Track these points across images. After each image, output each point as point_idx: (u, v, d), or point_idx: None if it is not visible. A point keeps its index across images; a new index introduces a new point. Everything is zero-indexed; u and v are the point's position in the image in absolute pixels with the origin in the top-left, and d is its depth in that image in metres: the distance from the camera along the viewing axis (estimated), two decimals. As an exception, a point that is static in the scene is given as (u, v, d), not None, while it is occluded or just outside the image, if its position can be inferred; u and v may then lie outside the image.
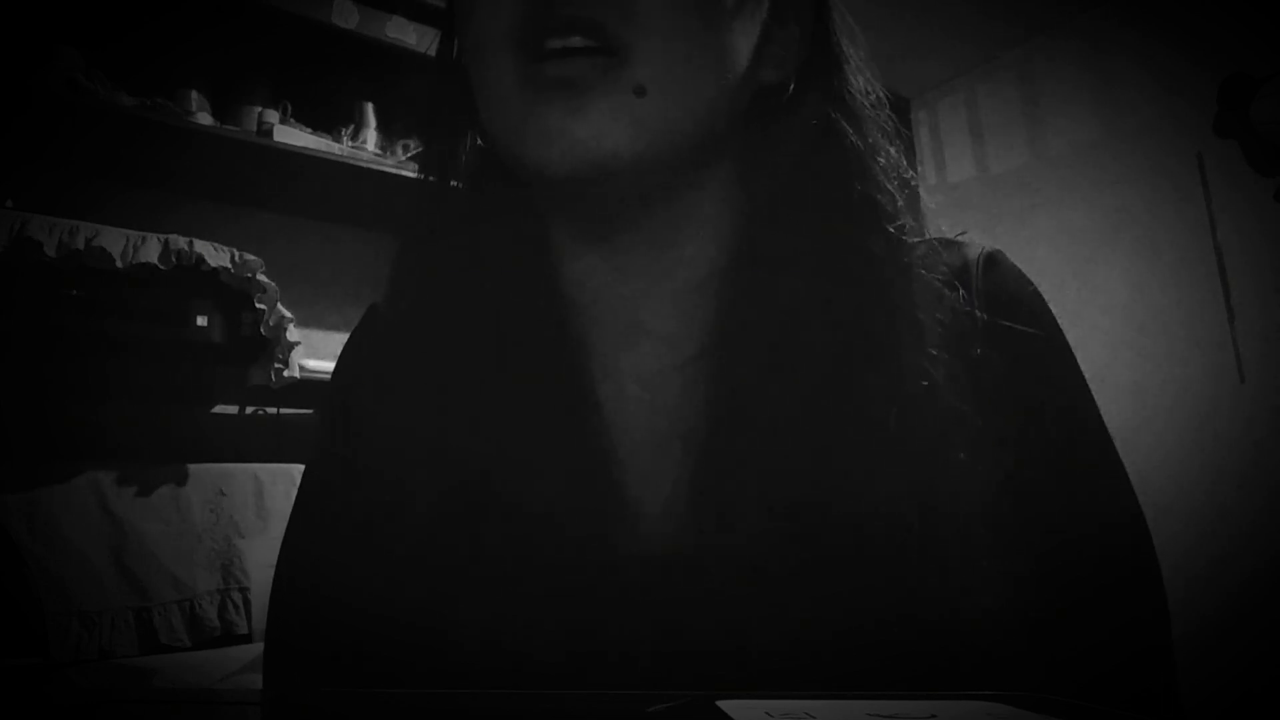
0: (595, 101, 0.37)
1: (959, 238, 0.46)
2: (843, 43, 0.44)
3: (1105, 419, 0.44)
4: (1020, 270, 0.45)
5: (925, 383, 0.38)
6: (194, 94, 1.52)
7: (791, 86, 0.43)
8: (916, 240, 0.42)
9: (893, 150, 0.43)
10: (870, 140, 0.42)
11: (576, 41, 0.37)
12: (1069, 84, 2.24)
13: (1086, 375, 0.44)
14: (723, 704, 0.23)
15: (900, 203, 0.42)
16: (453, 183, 0.46)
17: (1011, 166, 2.37)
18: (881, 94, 0.45)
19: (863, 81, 0.44)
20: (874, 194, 0.41)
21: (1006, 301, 0.43)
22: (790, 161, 0.42)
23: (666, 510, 0.40)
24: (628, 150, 0.37)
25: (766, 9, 0.41)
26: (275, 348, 1.43)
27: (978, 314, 0.42)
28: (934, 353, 0.39)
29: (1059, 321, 0.44)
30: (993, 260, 0.44)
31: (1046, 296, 0.45)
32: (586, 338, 0.44)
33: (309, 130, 1.59)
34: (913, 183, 0.44)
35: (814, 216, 0.41)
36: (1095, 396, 0.44)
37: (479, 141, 0.47)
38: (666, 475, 0.40)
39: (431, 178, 0.46)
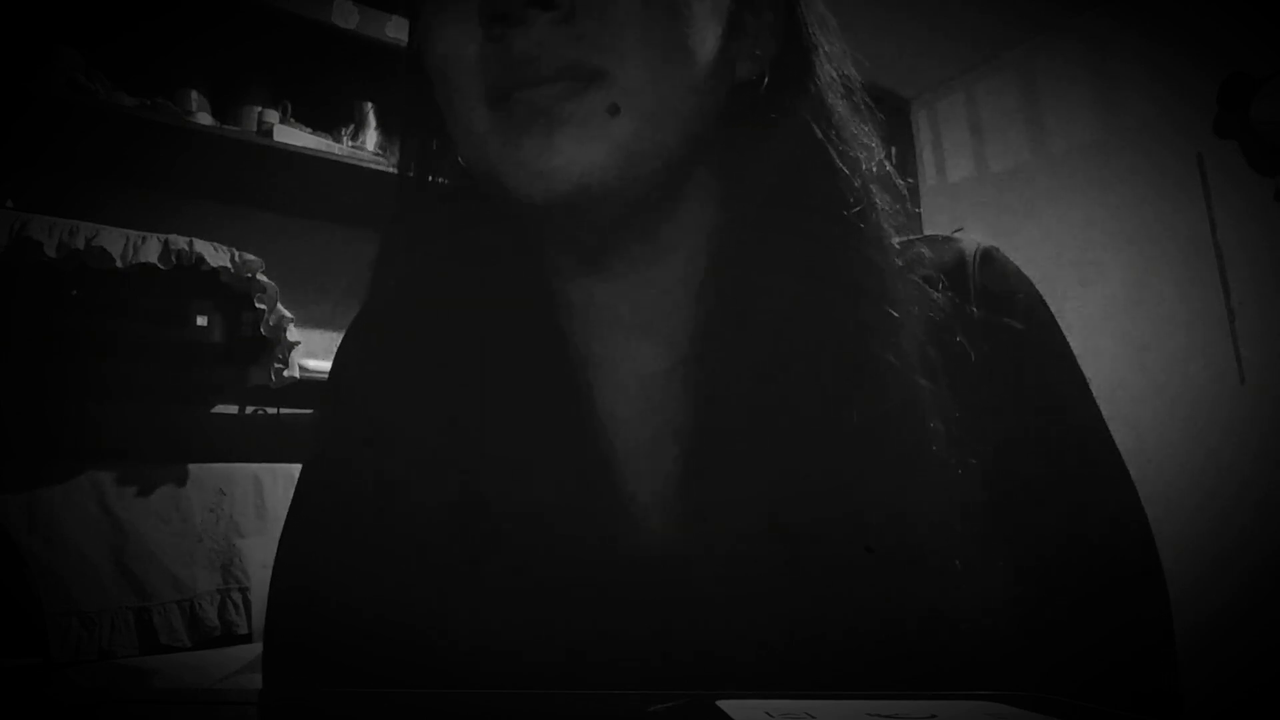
0: (570, 129, 0.36)
1: (954, 234, 0.46)
2: (814, 31, 0.43)
3: (1106, 420, 0.44)
4: (1016, 266, 0.45)
5: (893, 371, 0.38)
6: (194, 94, 1.52)
7: (766, 81, 0.42)
8: (897, 238, 0.42)
9: (863, 136, 0.43)
10: (837, 129, 0.42)
11: (548, 91, 0.36)
12: (1069, 84, 2.23)
13: (1087, 376, 0.44)
14: (723, 704, 0.23)
15: (870, 188, 0.41)
16: (437, 179, 0.46)
17: (1011, 166, 2.36)
18: (854, 77, 0.44)
19: (833, 69, 0.43)
20: (836, 183, 0.41)
21: (1002, 295, 0.43)
22: (765, 158, 0.42)
23: (662, 507, 0.40)
24: (607, 171, 0.36)
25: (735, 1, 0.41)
26: (275, 348, 1.44)
27: (973, 310, 0.42)
28: (905, 343, 0.39)
29: (1059, 322, 0.44)
30: (988, 256, 0.44)
31: (1047, 296, 0.45)
32: (581, 340, 0.44)
33: (309, 130, 1.60)
34: (881, 163, 0.43)
35: (787, 213, 0.41)
36: (1096, 397, 0.44)
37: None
38: (661, 474, 0.41)
39: (410, 173, 0.45)
